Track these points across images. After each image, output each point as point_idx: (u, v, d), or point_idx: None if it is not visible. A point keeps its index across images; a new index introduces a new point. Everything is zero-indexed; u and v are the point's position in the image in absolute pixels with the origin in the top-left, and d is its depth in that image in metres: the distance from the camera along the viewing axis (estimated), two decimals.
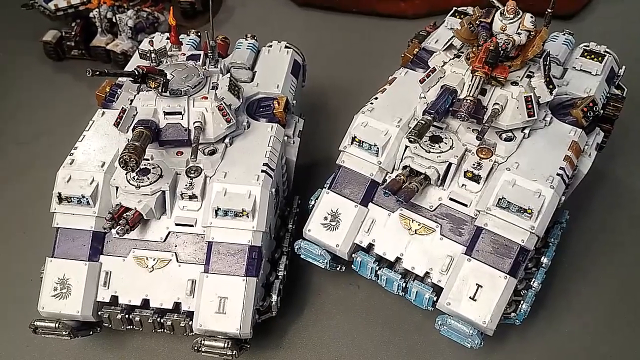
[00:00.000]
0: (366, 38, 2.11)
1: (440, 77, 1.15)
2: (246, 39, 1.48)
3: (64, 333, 1.11)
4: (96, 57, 2.00)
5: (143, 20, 1.95)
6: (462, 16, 1.40)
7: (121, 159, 1.02)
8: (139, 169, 1.10)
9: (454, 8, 1.44)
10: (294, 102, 1.37)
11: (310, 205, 1.26)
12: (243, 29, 2.12)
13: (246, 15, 2.25)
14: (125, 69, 1.40)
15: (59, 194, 1.13)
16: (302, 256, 1.22)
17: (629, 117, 1.59)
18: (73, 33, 1.97)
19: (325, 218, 1.18)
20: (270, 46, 1.48)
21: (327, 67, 1.91)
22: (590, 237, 1.40)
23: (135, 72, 1.08)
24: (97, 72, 1.02)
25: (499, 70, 1.08)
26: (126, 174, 1.14)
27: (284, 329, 1.26)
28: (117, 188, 1.14)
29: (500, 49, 1.06)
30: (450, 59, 1.17)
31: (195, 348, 1.09)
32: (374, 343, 1.23)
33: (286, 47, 1.47)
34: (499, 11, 1.11)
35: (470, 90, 1.06)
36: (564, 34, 1.37)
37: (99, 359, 1.24)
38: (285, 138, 1.29)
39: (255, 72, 1.40)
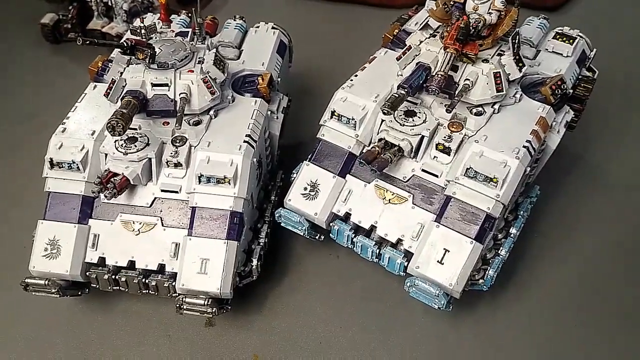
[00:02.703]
0: (355, 26, 2.17)
1: (416, 55, 1.20)
2: (234, 20, 1.54)
3: (53, 290, 1.17)
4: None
5: (138, 4, 1.99)
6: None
7: (109, 124, 1.08)
8: (127, 137, 1.16)
9: None
10: (279, 79, 1.42)
11: (292, 178, 1.31)
12: (235, 14, 2.20)
13: (239, 3, 2.30)
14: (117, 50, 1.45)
15: (51, 159, 1.19)
16: (282, 224, 1.28)
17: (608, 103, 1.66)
18: (70, 16, 2.02)
19: (305, 188, 1.24)
20: (258, 27, 1.54)
21: (315, 52, 1.97)
22: (560, 212, 1.46)
23: (125, 43, 1.14)
24: (88, 42, 1.08)
25: (470, 47, 1.13)
26: (115, 142, 1.20)
27: (264, 295, 1.32)
28: (106, 155, 1.20)
29: (470, 26, 1.12)
30: (427, 38, 1.22)
31: (177, 305, 1.15)
32: (351, 308, 1.29)
33: (273, 27, 1.53)
34: None
35: (442, 66, 1.12)
36: (539, 19, 1.43)
37: (87, 321, 1.29)
38: (269, 113, 1.34)
39: (242, 50, 1.45)
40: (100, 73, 1.37)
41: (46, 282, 1.16)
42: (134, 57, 1.20)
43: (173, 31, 1.33)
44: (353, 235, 1.21)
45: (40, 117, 1.82)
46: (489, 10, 1.15)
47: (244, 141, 1.20)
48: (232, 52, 1.44)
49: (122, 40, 1.16)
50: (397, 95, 1.11)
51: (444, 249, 1.11)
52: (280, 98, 1.41)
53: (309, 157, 1.28)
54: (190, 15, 1.56)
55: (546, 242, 1.40)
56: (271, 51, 1.45)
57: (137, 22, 1.45)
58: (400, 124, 1.18)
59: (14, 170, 1.66)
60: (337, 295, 1.32)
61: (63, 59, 2.09)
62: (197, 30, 1.31)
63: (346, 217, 1.23)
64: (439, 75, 1.11)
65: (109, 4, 1.99)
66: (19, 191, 1.58)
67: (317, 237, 1.29)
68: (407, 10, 2.11)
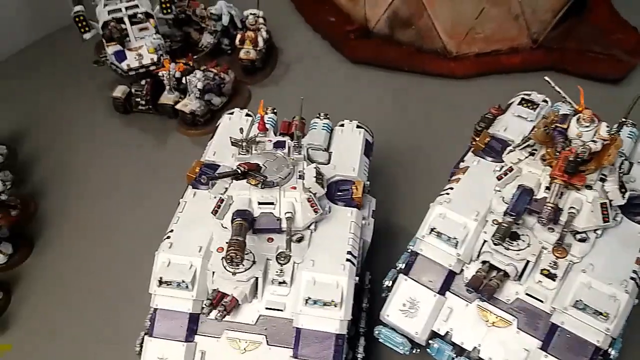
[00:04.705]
0: (418, 96, 2.18)
1: (517, 176, 1.22)
2: (319, 118, 1.57)
3: None
4: (163, 113, 2.11)
5: (210, 81, 2.04)
6: (528, 105, 1.47)
7: (228, 256, 1.11)
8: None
9: (520, 96, 1.51)
10: (368, 182, 1.45)
11: (384, 286, 1.33)
12: (298, 85, 2.24)
13: (302, 71, 2.34)
14: (211, 148, 1.49)
15: (160, 278, 1.22)
16: (380, 341, 1.30)
17: None
18: (144, 92, 2.08)
19: (404, 305, 1.26)
20: (342, 125, 1.57)
21: (380, 123, 1.99)
22: None
23: (238, 170, 1.18)
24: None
25: (577, 179, 1.15)
26: (222, 259, 1.23)
27: None
28: (213, 273, 1.23)
29: (578, 158, 1.14)
30: (525, 157, 1.24)
31: None
32: None
33: (358, 126, 1.56)
34: (575, 118, 1.18)
35: (551, 197, 1.13)
36: (627, 126, 1.43)
37: None
38: (363, 221, 1.37)
39: (331, 152, 1.48)
40: (198, 179, 1.40)
41: None
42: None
43: (270, 140, 1.36)
44: (455, 355, 1.22)
45: (116, 191, 1.89)
46: (593, 137, 1.16)
47: (347, 259, 1.23)
48: (322, 155, 1.47)
49: (235, 168, 1.19)
50: (506, 225, 1.13)
51: None
52: (369, 202, 1.44)
53: (404, 268, 1.29)
54: (275, 111, 1.60)
55: None
56: (360, 154, 1.47)
57: (225, 119, 1.54)
58: (505, 248, 1.19)
59: (93, 252, 1.71)
60: None
61: (133, 130, 2.14)
62: (295, 143, 1.34)
63: (444, 335, 1.24)
64: (549, 208, 1.12)
65: (182, 80, 2.04)
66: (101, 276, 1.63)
67: (412, 351, 1.31)
68: (469, 82, 2.16)
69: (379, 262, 1.39)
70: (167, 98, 2.08)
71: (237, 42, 2.23)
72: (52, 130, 2.14)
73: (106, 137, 2.11)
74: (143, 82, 2.09)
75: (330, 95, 2.13)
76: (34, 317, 1.59)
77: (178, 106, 2.04)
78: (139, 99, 2.11)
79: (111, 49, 2.07)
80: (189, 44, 2.30)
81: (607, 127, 1.16)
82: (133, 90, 2.11)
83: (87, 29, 2.10)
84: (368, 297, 1.41)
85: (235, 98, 2.17)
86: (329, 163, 1.45)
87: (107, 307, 1.59)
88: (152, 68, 2.05)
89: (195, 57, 2.15)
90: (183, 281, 1.21)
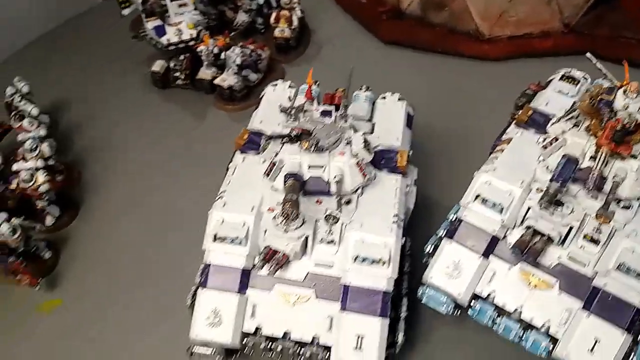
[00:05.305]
0: (451, 78, 2.21)
1: (562, 146, 1.26)
2: (361, 90, 1.61)
3: (217, 358, 1.26)
4: (200, 88, 2.16)
5: (247, 57, 2.09)
6: (570, 80, 1.50)
7: (283, 213, 1.16)
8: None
9: (561, 72, 1.54)
10: (411, 152, 1.49)
11: (426, 252, 1.38)
12: (331, 65, 2.27)
13: (334, 52, 2.37)
14: (257, 117, 1.54)
15: (215, 234, 1.27)
16: (423, 301, 1.34)
17: None
18: (183, 67, 2.12)
19: (448, 267, 1.30)
20: (384, 98, 1.61)
21: (414, 104, 2.03)
22: None
23: (292, 134, 1.23)
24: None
25: (623, 147, 1.18)
26: (273, 218, 1.28)
27: None
28: (264, 231, 1.28)
29: (624, 128, 1.17)
30: (570, 128, 1.28)
31: None
32: None
33: (399, 99, 1.60)
34: (621, 89, 1.22)
35: (597, 164, 1.17)
36: None
37: None
38: (406, 188, 1.41)
39: (374, 123, 1.52)
40: (246, 145, 1.45)
41: (213, 351, 1.24)
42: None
43: (317, 109, 1.41)
44: (496, 315, 1.26)
45: (155, 164, 1.95)
46: (639, 109, 1.20)
47: (393, 222, 1.28)
48: (366, 126, 1.51)
49: (288, 131, 1.24)
50: (553, 191, 1.17)
51: (595, 338, 1.16)
52: (412, 171, 1.48)
53: (448, 234, 1.34)
54: (317, 83, 1.64)
55: None
56: (403, 125, 1.52)
57: (269, 90, 1.59)
58: (550, 214, 1.23)
59: (137, 221, 1.77)
60: None
61: (171, 105, 2.20)
62: (342, 112, 1.38)
63: (486, 297, 1.29)
64: (595, 174, 1.16)
65: (220, 56, 2.08)
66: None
67: (454, 314, 1.35)
68: (502, 64, 2.19)
69: (416, 234, 1.44)
70: (204, 73, 2.13)
71: (271, 20, 2.27)
72: (91, 103, 2.20)
73: (144, 111, 2.16)
74: (182, 57, 2.14)
75: (363, 75, 2.12)
76: (81, 275, 1.66)
77: (216, 81, 2.08)
78: (177, 74, 2.15)
79: (151, 24, 2.11)
80: (223, 23, 2.34)
81: None
82: (171, 65, 2.16)
83: (127, 4, 2.15)
84: (409, 262, 1.45)
85: (270, 75, 2.21)
86: (372, 133, 1.49)
87: (149, 265, 1.66)
88: (191, 43, 2.10)
89: (231, 34, 2.19)
90: (237, 237, 1.26)
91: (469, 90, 2.15)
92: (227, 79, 2.07)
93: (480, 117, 1.98)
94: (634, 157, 1.21)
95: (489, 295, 1.28)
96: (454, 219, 1.35)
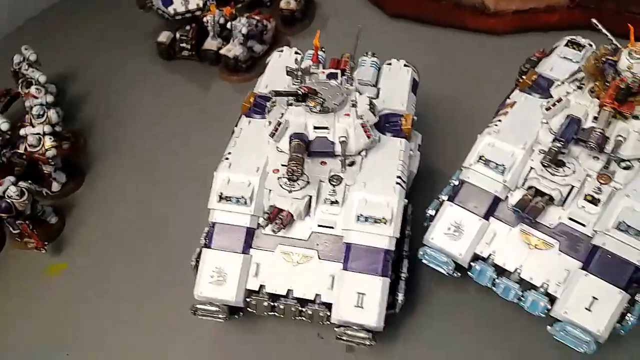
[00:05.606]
0: (456, 51, 2.21)
1: (565, 107, 1.27)
2: (367, 56, 1.61)
3: (221, 316, 1.28)
4: (205, 59, 2.16)
5: (253, 27, 2.09)
6: (575, 46, 1.50)
7: (289, 169, 1.18)
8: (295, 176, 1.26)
9: (567, 38, 1.54)
10: (415, 117, 1.50)
11: (427, 215, 1.39)
12: (336, 38, 2.26)
13: (339, 24, 2.37)
14: (263, 81, 1.55)
15: (221, 193, 1.29)
16: (424, 261, 1.36)
17: None
18: (189, 37, 2.13)
19: (449, 228, 1.31)
20: (390, 64, 1.61)
21: (421, 79, 2.04)
22: None
23: (299, 92, 1.23)
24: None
25: (626, 107, 1.19)
26: (278, 179, 1.29)
27: (400, 324, 1.41)
28: (269, 190, 1.30)
29: (628, 87, 1.17)
30: (574, 90, 1.28)
31: (337, 337, 1.24)
32: (486, 344, 1.37)
33: (405, 65, 1.60)
34: (626, 50, 1.22)
35: (600, 123, 1.18)
36: None
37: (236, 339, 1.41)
38: (410, 152, 1.42)
39: (379, 88, 1.53)
40: (252, 109, 1.46)
41: (217, 308, 1.27)
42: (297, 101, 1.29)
43: (324, 72, 1.41)
44: (496, 276, 1.28)
45: (161, 132, 1.97)
46: None
47: (397, 182, 1.29)
48: (372, 90, 1.51)
49: (295, 89, 1.25)
50: (555, 149, 1.18)
51: (592, 296, 1.18)
52: (416, 136, 1.49)
53: (449, 196, 1.35)
54: (324, 49, 1.64)
55: None
56: (408, 90, 1.52)
57: (275, 56, 1.59)
58: (552, 174, 1.24)
59: (145, 187, 1.80)
60: (467, 328, 1.40)
61: (176, 76, 2.20)
62: (348, 73, 1.39)
63: (486, 258, 1.30)
64: (598, 133, 1.17)
65: (227, 26, 2.08)
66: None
67: (454, 274, 1.37)
68: (509, 38, 2.18)
69: (419, 202, 1.45)
70: (210, 44, 2.13)
71: None
72: (98, 74, 2.21)
73: (150, 82, 2.17)
74: (187, 27, 2.14)
75: (369, 48, 2.16)
76: (87, 240, 1.69)
77: (222, 51, 2.09)
78: (183, 44, 2.16)
79: None
80: None
81: None
82: (178, 36, 2.16)
83: None
84: (410, 226, 1.46)
85: (275, 47, 2.18)
86: (377, 98, 1.50)
87: (152, 231, 1.69)
88: (197, 13, 2.10)
89: (237, 5, 2.19)
90: (242, 197, 1.28)
91: (474, 64, 2.14)
92: (233, 49, 2.07)
93: (484, 90, 1.96)
94: (636, 117, 1.22)
95: (489, 255, 1.29)
96: (456, 182, 1.36)
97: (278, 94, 1.24)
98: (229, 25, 2.07)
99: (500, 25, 2.25)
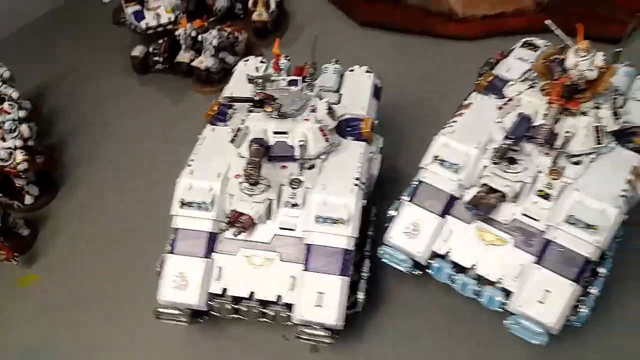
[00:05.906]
0: (425, 58, 2.25)
1: (517, 106, 1.30)
2: (330, 63, 1.65)
3: (184, 320, 1.30)
4: (178, 72, 2.20)
5: (224, 39, 2.13)
6: (531, 47, 1.55)
7: (246, 173, 1.20)
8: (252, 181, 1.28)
9: (523, 40, 1.58)
10: (376, 121, 1.53)
11: (389, 215, 1.42)
12: (308, 47, 2.31)
13: (311, 35, 2.40)
14: (228, 89, 1.58)
15: (182, 200, 1.31)
16: (383, 260, 1.38)
17: None
18: (161, 50, 2.17)
19: (407, 228, 1.34)
20: (352, 70, 1.65)
21: (388, 84, 2.07)
22: None
23: (254, 97, 1.27)
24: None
25: (572, 103, 1.22)
26: (239, 184, 1.32)
27: (363, 323, 1.42)
28: (231, 195, 1.32)
29: (573, 84, 1.21)
30: (526, 89, 1.32)
31: (296, 336, 1.27)
32: (447, 341, 1.39)
33: (367, 72, 1.64)
34: (572, 49, 1.26)
35: (547, 120, 1.21)
36: (624, 66, 1.50)
37: (203, 343, 1.42)
38: (370, 154, 1.45)
39: (341, 94, 1.56)
40: (216, 117, 1.49)
41: (179, 313, 1.28)
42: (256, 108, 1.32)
43: (284, 79, 1.45)
44: (455, 273, 1.30)
45: (135, 144, 1.99)
46: (589, 67, 1.23)
47: (355, 184, 1.32)
48: (334, 96, 1.54)
49: (252, 95, 1.28)
50: (505, 146, 1.21)
51: (545, 289, 1.20)
52: (377, 139, 1.52)
53: (409, 197, 1.38)
54: (288, 57, 1.68)
55: (632, 280, 1.47)
56: (369, 95, 1.55)
57: (241, 65, 1.62)
58: (504, 171, 1.27)
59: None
60: (430, 324, 1.42)
61: (151, 89, 2.24)
62: (307, 79, 1.42)
63: (444, 255, 1.33)
64: (545, 129, 1.20)
65: (198, 39, 2.12)
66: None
67: (414, 272, 1.39)
68: (477, 43, 2.23)
69: (384, 204, 1.47)
70: (182, 57, 2.17)
71: (250, 4, 2.31)
72: (74, 88, 2.25)
73: (125, 96, 2.21)
74: (160, 41, 2.18)
75: (340, 58, 2.20)
76: (59, 252, 1.71)
77: (194, 63, 2.13)
78: (156, 58, 2.20)
79: (130, 9, 2.17)
80: (203, 8, 2.38)
81: (603, 55, 1.23)
82: (151, 49, 2.20)
83: None
84: (373, 228, 1.49)
85: None
86: (339, 103, 1.53)
87: (124, 242, 1.71)
88: (169, 27, 2.14)
89: (210, 19, 2.23)
90: (204, 202, 1.30)
91: (441, 69, 2.19)
92: (205, 61, 2.11)
93: (450, 93, 1.98)
94: (584, 114, 1.25)
95: (447, 253, 1.31)
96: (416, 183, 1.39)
97: (233, 100, 1.27)
98: (200, 37, 2.11)
99: (469, 30, 2.30)
